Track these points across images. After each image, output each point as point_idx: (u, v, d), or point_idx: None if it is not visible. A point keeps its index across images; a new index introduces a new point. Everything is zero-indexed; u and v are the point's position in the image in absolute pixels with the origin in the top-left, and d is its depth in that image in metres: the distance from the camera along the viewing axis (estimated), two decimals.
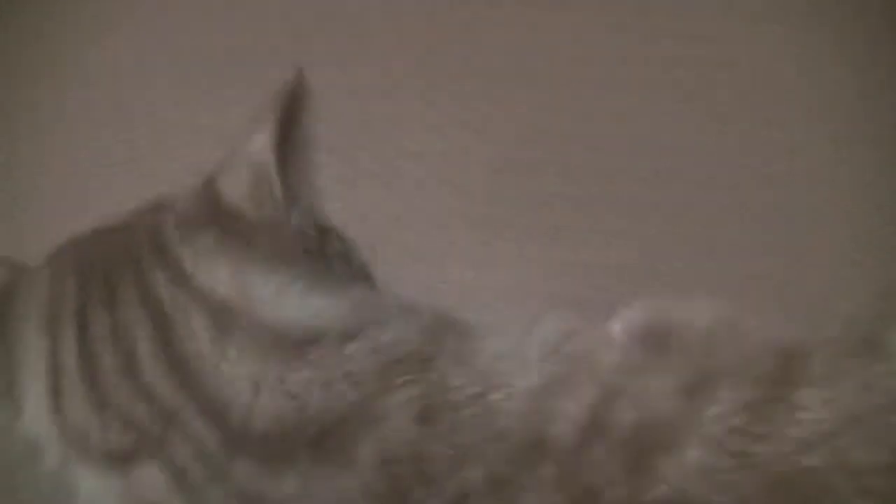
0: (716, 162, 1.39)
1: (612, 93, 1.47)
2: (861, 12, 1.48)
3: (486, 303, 1.11)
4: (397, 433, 0.55)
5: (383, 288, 0.71)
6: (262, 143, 0.63)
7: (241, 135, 0.64)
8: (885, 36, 1.47)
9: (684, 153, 1.40)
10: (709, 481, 0.51)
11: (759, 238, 1.30)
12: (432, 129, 1.41)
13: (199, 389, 0.57)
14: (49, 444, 0.59)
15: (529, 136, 1.42)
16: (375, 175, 1.36)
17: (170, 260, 0.61)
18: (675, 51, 1.49)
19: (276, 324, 0.59)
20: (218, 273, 0.60)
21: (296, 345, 0.58)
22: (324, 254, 0.66)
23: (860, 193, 1.33)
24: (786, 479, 0.51)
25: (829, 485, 0.50)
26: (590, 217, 1.34)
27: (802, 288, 1.21)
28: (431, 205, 1.35)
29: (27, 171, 1.43)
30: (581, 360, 0.57)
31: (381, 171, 1.37)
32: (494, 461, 0.53)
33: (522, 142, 1.40)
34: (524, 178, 1.37)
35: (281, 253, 0.62)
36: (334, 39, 1.51)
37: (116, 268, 0.62)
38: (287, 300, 0.60)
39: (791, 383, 0.54)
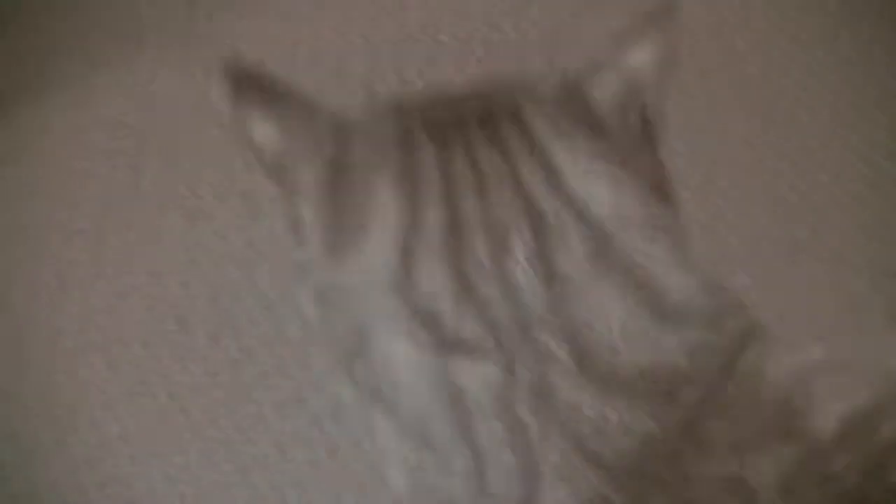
0: None
1: None
2: None
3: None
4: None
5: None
6: (641, 60, 0.61)
7: (611, 44, 0.62)
8: None
9: None
10: None
11: None
12: None
13: (565, 311, 0.53)
14: (384, 299, 0.55)
15: None
16: None
17: (541, 152, 0.57)
18: None
19: (650, 281, 0.56)
20: (596, 188, 0.57)
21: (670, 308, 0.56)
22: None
23: None
24: None
25: None
26: None
27: None
28: None
29: None
30: None
31: None
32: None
33: None
34: None
35: (650, 185, 0.59)
36: None
37: (477, 141, 0.58)
38: (660, 254, 0.57)
39: None
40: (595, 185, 0.57)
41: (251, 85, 0.61)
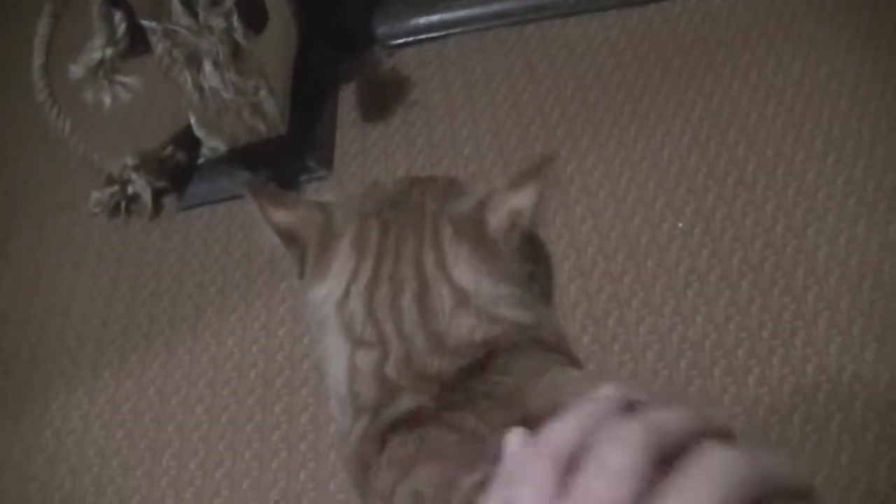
0: None
1: None
2: None
3: None
4: None
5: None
6: (524, 202, 0.87)
7: (503, 187, 0.89)
8: None
9: None
10: None
11: None
12: None
13: (428, 327, 0.85)
14: (326, 307, 0.88)
15: None
16: None
17: (440, 247, 0.87)
18: None
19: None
20: (465, 274, 0.86)
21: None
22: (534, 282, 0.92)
23: None
24: None
25: None
26: None
27: None
28: None
29: None
30: None
31: None
32: None
33: None
34: None
35: (511, 276, 0.88)
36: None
37: (403, 230, 0.89)
38: (504, 308, 0.87)
39: None
40: (466, 270, 0.87)
41: (267, 193, 0.92)
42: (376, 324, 0.86)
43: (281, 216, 0.91)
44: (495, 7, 2.27)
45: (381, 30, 2.27)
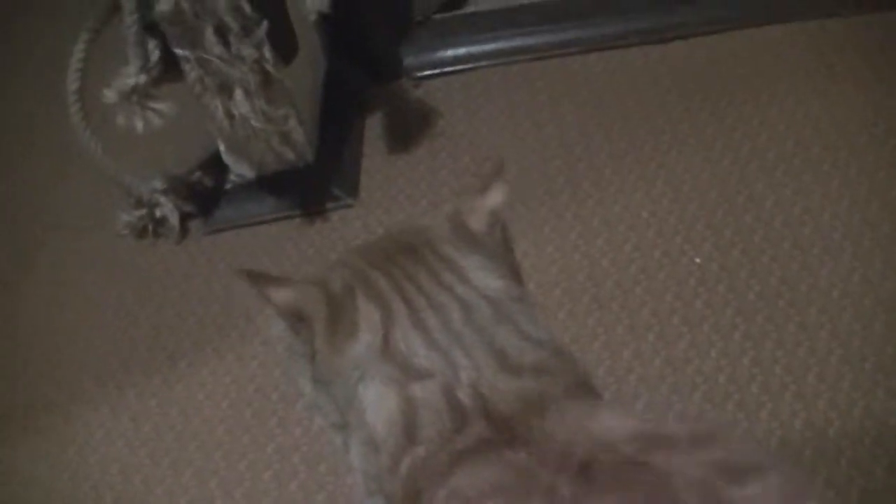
0: None
1: None
2: None
3: None
4: None
5: None
6: (495, 199, 0.95)
7: (474, 192, 0.96)
8: None
9: None
10: None
11: None
12: None
13: (479, 340, 0.86)
14: (366, 361, 0.88)
15: None
16: None
17: (453, 265, 0.91)
18: None
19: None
20: (487, 281, 0.90)
21: None
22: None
23: None
24: None
25: None
26: None
27: None
28: None
29: None
30: None
31: None
32: None
33: None
34: None
35: (513, 275, 0.95)
36: None
37: (407, 268, 0.91)
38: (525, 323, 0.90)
39: None
40: (487, 276, 0.90)
41: (264, 276, 0.95)
42: (441, 353, 0.86)
43: (282, 295, 0.92)
44: (520, 42, 2.30)
45: (409, 61, 2.31)
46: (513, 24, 2.35)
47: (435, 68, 2.30)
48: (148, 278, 2.01)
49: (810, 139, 1.95)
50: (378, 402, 0.87)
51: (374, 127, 2.20)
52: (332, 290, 0.91)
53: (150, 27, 1.79)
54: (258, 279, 0.94)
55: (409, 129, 2.15)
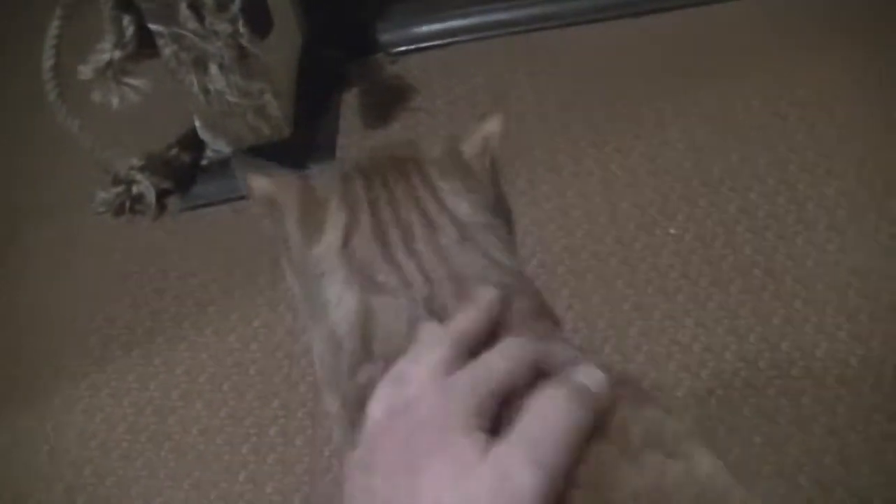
0: None
1: None
2: None
3: None
4: None
5: None
6: (490, 129, 0.95)
7: (472, 121, 0.96)
8: None
9: None
10: None
11: None
12: None
13: (444, 265, 0.86)
14: (326, 260, 0.89)
15: None
16: None
17: (431, 184, 0.91)
18: None
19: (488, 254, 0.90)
20: (461, 206, 0.90)
21: None
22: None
23: None
24: None
25: None
26: None
27: None
28: None
29: None
30: None
31: None
32: None
33: None
34: None
35: (492, 204, 0.93)
36: None
37: (388, 179, 0.92)
38: (495, 250, 0.90)
39: None
40: (461, 201, 0.91)
41: (251, 164, 0.96)
42: (397, 268, 0.86)
43: (260, 183, 0.93)
44: (498, 16, 2.31)
45: (385, 36, 2.31)
46: None
47: (412, 43, 2.31)
48: (127, 255, 2.01)
49: (786, 110, 1.96)
50: (338, 301, 0.88)
51: (350, 102, 2.20)
52: (310, 187, 0.92)
53: (125, 3, 1.79)
54: (242, 166, 0.96)
55: (386, 104, 2.15)
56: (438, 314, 0.83)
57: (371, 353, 0.85)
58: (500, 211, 0.96)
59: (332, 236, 0.89)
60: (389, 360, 0.81)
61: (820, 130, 1.90)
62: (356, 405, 0.84)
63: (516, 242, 0.97)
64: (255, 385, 1.70)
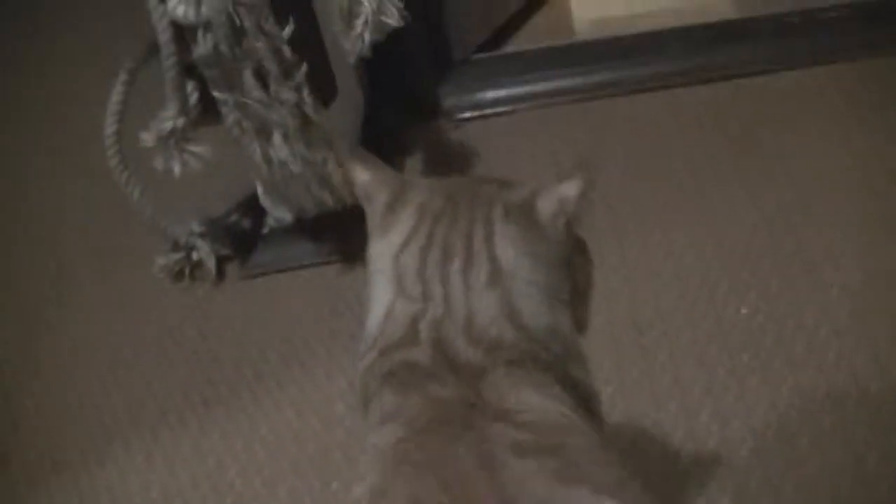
0: None
1: None
2: None
3: None
4: None
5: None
6: (570, 191, 0.96)
7: (553, 180, 0.97)
8: None
9: None
10: None
11: None
12: None
13: (469, 304, 0.93)
14: (383, 260, 0.98)
15: None
16: None
17: (490, 223, 0.95)
18: None
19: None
20: (507, 252, 0.94)
21: None
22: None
23: None
24: None
25: None
26: None
27: None
28: None
29: None
30: None
31: None
32: None
33: None
34: None
35: (549, 262, 0.97)
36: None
37: (461, 205, 0.97)
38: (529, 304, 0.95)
39: None
40: (509, 248, 0.94)
41: (358, 156, 1.04)
42: (424, 283, 0.94)
43: (361, 175, 1.01)
44: (561, 83, 2.28)
45: (448, 102, 2.29)
46: (553, 65, 2.33)
47: (475, 110, 2.28)
48: (184, 322, 1.99)
49: (858, 186, 1.92)
50: (378, 299, 0.97)
51: (412, 169, 2.17)
52: (403, 189, 1.00)
53: (189, 69, 1.78)
54: (351, 158, 1.06)
55: (448, 171, 2.13)
56: (440, 342, 0.92)
57: (375, 345, 0.96)
58: (564, 274, 0.99)
59: (395, 238, 0.97)
60: (383, 351, 0.94)
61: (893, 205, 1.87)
62: (359, 388, 0.98)
63: (582, 310, 1.04)
64: (315, 461, 1.67)
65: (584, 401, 0.98)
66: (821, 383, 1.60)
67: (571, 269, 1.00)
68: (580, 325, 1.04)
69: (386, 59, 2.10)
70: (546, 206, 0.96)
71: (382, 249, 0.98)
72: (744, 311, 1.73)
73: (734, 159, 2.03)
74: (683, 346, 1.70)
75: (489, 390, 0.89)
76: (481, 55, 2.38)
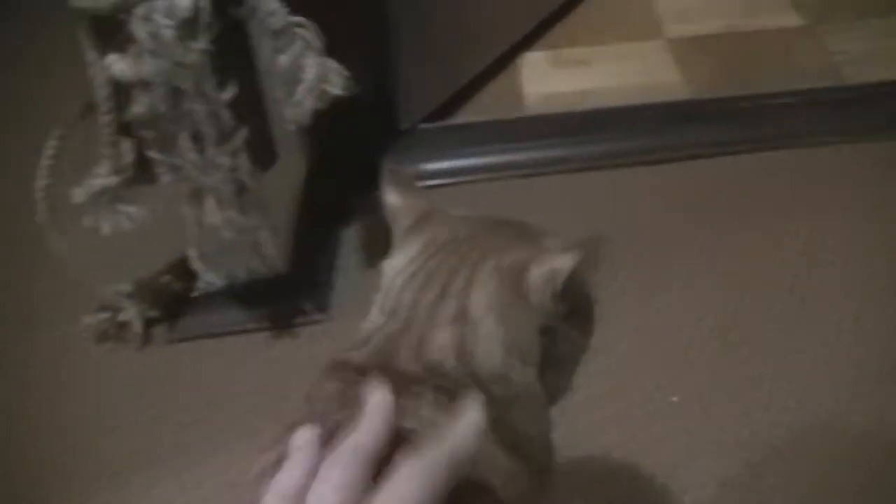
0: None
1: None
2: None
3: None
4: None
5: None
6: (564, 264, 0.94)
7: (547, 250, 0.97)
8: None
9: None
10: None
11: None
12: None
13: (425, 331, 0.95)
14: (386, 275, 1.02)
15: None
16: None
17: (476, 272, 0.96)
18: None
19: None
20: (479, 303, 0.95)
21: None
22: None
23: None
24: None
25: None
26: None
27: None
28: None
29: None
30: None
31: None
32: None
33: None
34: None
35: (519, 327, 0.96)
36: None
37: (459, 247, 0.99)
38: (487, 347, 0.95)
39: None
40: (483, 299, 0.95)
41: (395, 177, 1.08)
42: (397, 303, 0.98)
43: (391, 198, 1.06)
44: (507, 157, 2.26)
45: None
46: (500, 139, 2.31)
47: (419, 180, 2.23)
48: (108, 386, 1.92)
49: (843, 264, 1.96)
50: (373, 316, 1.00)
51: (350, 238, 2.14)
52: (423, 219, 1.04)
53: (126, 127, 1.73)
54: (387, 179, 1.08)
55: (388, 242, 2.08)
56: (384, 349, 0.95)
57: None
58: (534, 340, 0.98)
59: (398, 260, 1.01)
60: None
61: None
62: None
63: (555, 378, 1.01)
64: None
65: (515, 445, 0.95)
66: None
67: (552, 336, 0.99)
68: (552, 392, 1.03)
69: (331, 125, 2.07)
70: (536, 274, 0.95)
71: (388, 268, 1.02)
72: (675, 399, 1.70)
73: (679, 240, 2.01)
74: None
75: (409, 401, 0.89)
76: (427, 125, 2.35)
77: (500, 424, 0.92)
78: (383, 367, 0.92)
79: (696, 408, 1.69)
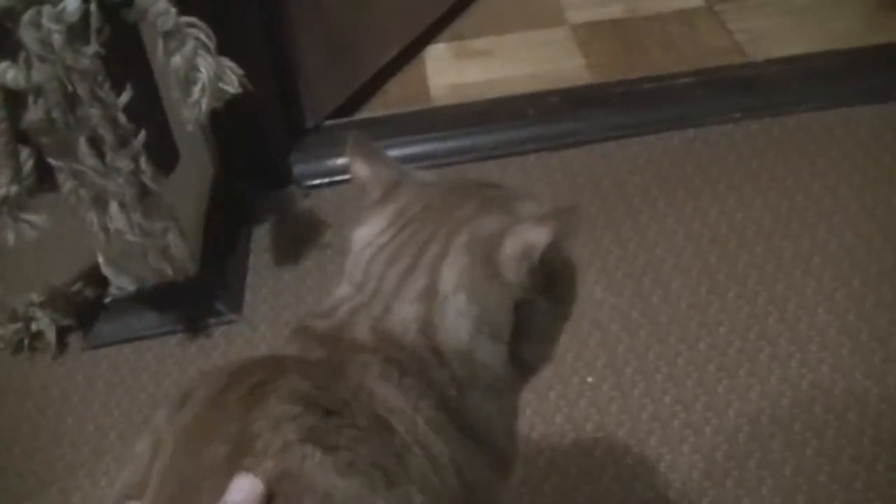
0: None
1: None
2: None
3: None
4: None
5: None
6: (539, 238, 0.92)
7: (522, 220, 0.94)
8: None
9: None
10: None
11: None
12: None
13: (391, 304, 0.96)
14: (355, 247, 1.01)
15: None
16: None
17: (447, 247, 0.95)
18: None
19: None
20: (449, 279, 0.94)
21: None
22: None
23: None
24: None
25: None
26: None
27: None
28: None
29: None
30: None
31: None
32: None
33: None
34: None
35: (491, 304, 0.94)
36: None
37: (432, 218, 0.98)
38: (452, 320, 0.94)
39: None
40: (453, 275, 0.94)
41: (361, 147, 1.05)
42: (366, 275, 0.97)
43: (360, 170, 1.04)
44: (413, 149, 2.27)
45: (298, 169, 2.27)
46: (406, 132, 2.32)
47: (325, 177, 2.26)
48: (24, 396, 1.91)
49: (798, 232, 2.00)
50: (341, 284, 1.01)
51: (261, 237, 2.14)
52: (396, 187, 1.02)
53: (24, 135, 1.72)
54: (353, 149, 1.05)
55: (298, 240, 2.10)
56: (346, 322, 0.95)
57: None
58: (506, 317, 0.96)
59: (367, 231, 1.00)
60: (308, 316, 0.99)
61: (822, 238, 1.97)
62: None
63: (530, 351, 0.99)
64: None
65: (469, 428, 0.95)
66: (754, 384, 1.69)
67: (531, 308, 0.96)
68: (533, 362, 1.02)
69: (236, 125, 2.08)
70: (510, 248, 0.93)
71: (356, 238, 1.00)
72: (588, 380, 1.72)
73: (586, 225, 2.04)
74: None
75: (355, 369, 0.90)
76: (332, 122, 2.36)
77: (457, 407, 0.94)
78: (336, 338, 0.93)
79: (673, 391, 1.72)
